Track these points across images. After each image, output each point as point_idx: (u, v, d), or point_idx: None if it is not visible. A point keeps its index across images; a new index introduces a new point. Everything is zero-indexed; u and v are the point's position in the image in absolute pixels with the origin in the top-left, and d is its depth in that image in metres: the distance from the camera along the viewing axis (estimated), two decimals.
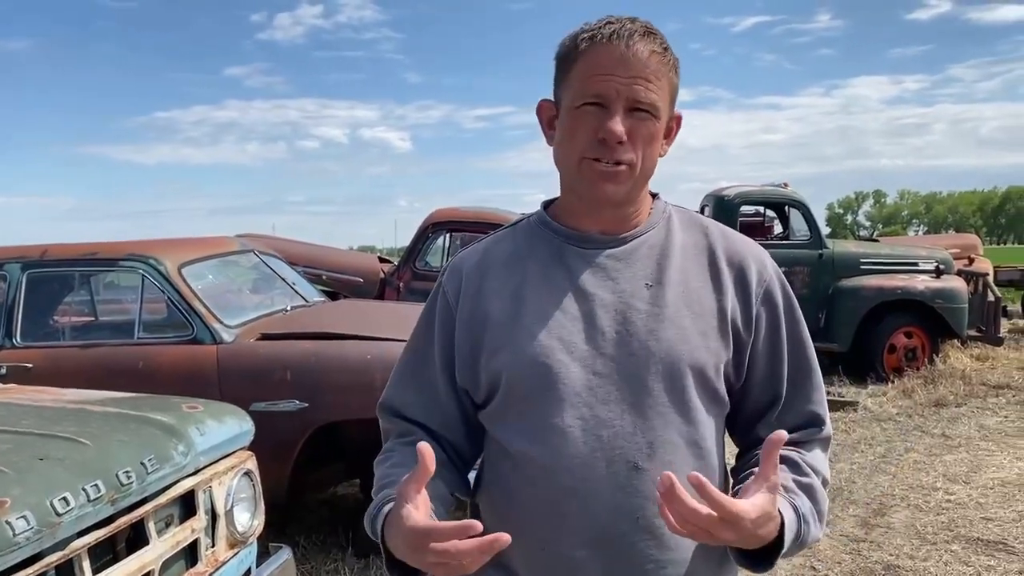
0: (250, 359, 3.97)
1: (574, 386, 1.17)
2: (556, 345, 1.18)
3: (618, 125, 1.14)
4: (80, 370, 3.91)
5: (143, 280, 4.09)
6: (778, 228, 9.75)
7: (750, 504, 1.01)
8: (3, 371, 3.96)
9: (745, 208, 9.29)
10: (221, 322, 4.08)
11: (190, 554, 2.43)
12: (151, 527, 2.23)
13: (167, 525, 2.35)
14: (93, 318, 5.01)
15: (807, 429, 1.25)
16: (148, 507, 2.21)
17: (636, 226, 1.25)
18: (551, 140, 1.26)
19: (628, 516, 1.15)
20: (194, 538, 2.42)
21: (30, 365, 3.98)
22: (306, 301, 4.92)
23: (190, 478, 2.40)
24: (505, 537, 0.98)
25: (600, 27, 1.17)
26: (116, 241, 4.44)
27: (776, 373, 1.25)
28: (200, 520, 2.44)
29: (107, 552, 2.12)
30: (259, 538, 2.81)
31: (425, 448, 1.04)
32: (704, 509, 0.98)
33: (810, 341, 1.29)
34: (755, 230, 9.48)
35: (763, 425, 1.26)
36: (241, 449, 2.74)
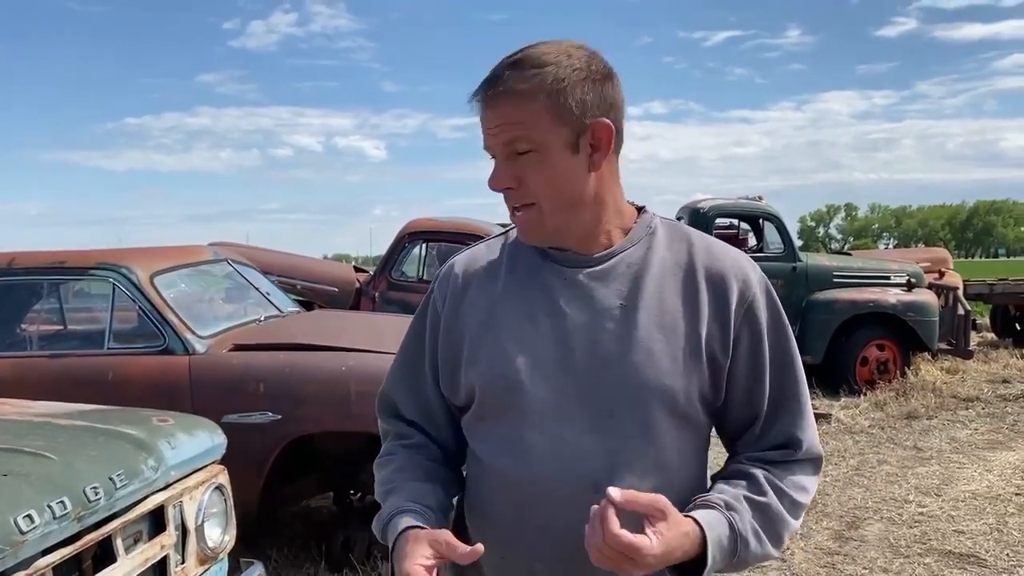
0: (223, 370, 3.91)
1: (540, 404, 1.18)
2: (527, 362, 1.20)
3: (496, 178, 1.19)
4: (47, 380, 3.83)
5: (114, 289, 4.01)
6: (752, 241, 9.82)
7: (655, 539, 1.02)
8: None
9: (720, 221, 9.35)
10: (193, 332, 4.01)
11: (159, 571, 2.37)
12: (119, 544, 2.18)
13: (136, 542, 2.29)
14: (62, 327, 4.91)
15: (783, 450, 1.23)
16: (116, 524, 2.16)
17: (612, 243, 1.24)
18: None
19: (583, 534, 1.11)
20: (163, 555, 2.36)
21: None
22: (280, 311, 4.86)
23: (160, 493, 2.35)
24: None
25: (477, 87, 1.20)
26: (86, 249, 4.36)
27: (756, 393, 1.23)
28: (170, 536, 2.39)
29: (73, 570, 2.07)
30: (230, 553, 2.76)
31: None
32: (605, 547, 1.01)
33: (799, 361, 1.26)
34: (729, 243, 9.47)
35: (742, 443, 1.27)
36: (213, 463, 2.69)
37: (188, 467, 2.52)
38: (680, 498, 1.16)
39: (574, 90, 1.14)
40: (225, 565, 2.71)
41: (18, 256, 4.29)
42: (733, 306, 1.20)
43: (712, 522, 1.11)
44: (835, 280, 8.82)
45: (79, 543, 2.02)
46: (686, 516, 1.10)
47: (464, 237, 7.16)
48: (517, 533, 1.20)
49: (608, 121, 1.17)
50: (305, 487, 4.44)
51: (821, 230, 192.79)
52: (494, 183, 1.19)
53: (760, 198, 9.49)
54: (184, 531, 2.46)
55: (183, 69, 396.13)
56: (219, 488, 2.65)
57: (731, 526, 1.12)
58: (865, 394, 8.20)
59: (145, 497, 2.28)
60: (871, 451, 6.34)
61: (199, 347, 3.96)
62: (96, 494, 2.06)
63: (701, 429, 1.25)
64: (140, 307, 4.03)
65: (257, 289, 4.94)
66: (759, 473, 1.20)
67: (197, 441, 2.59)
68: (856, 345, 8.53)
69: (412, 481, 1.25)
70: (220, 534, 2.65)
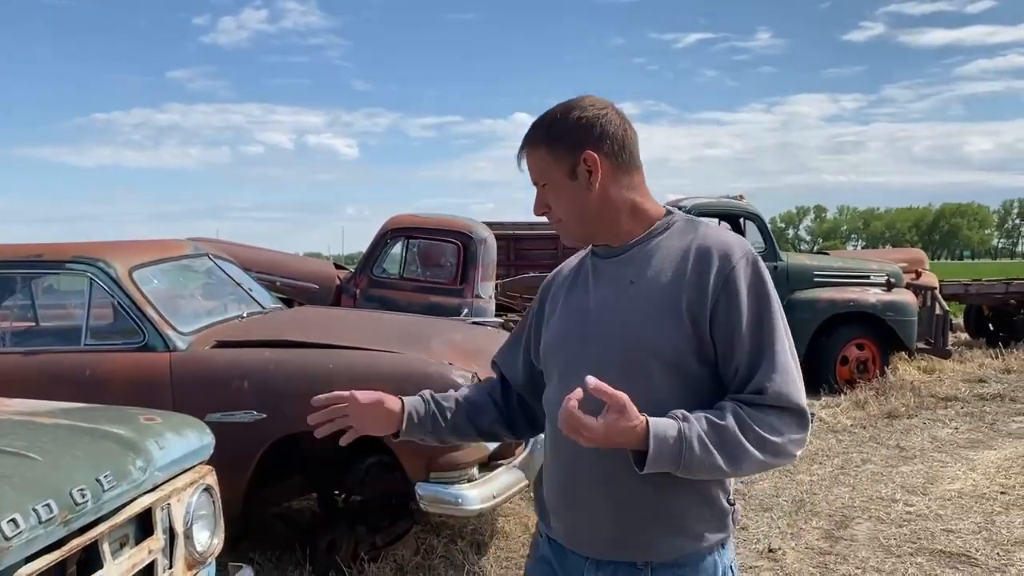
0: (205, 367, 3.79)
1: (567, 362, 1.57)
2: (567, 330, 1.61)
3: (535, 205, 1.62)
4: (22, 378, 3.68)
5: (91, 284, 3.87)
6: None
7: (599, 422, 1.34)
8: None
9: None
10: (174, 328, 3.89)
11: None
12: (105, 549, 2.07)
13: (122, 546, 2.18)
14: (34, 323, 4.75)
15: (754, 395, 1.45)
16: (103, 528, 2.04)
17: (635, 237, 1.58)
18: None
19: (582, 465, 1.51)
20: (151, 559, 2.25)
21: None
22: (262, 308, 4.75)
23: (148, 495, 2.24)
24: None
25: None
26: (63, 242, 4.22)
27: (734, 350, 1.47)
28: (158, 540, 2.28)
29: None
30: (218, 557, 2.65)
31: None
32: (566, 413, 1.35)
33: (778, 324, 1.48)
34: None
35: (730, 391, 1.50)
36: (200, 463, 2.58)
37: (176, 468, 2.41)
38: None
39: (563, 136, 1.54)
40: (213, 570, 2.60)
41: None
42: (712, 276, 1.48)
43: (662, 423, 1.39)
44: (815, 280, 8.85)
45: (64, 548, 1.91)
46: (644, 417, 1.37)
47: (446, 233, 7.03)
48: (549, 461, 1.63)
49: (592, 152, 1.53)
50: (289, 488, 4.32)
51: (791, 231, 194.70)
52: (534, 210, 1.62)
53: (741, 197, 9.48)
54: (172, 535, 2.35)
55: (153, 65, 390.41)
56: (207, 490, 2.54)
57: (679, 430, 1.38)
58: (845, 393, 8.23)
59: (133, 499, 2.18)
60: (855, 450, 6.35)
61: (180, 344, 3.84)
62: (83, 496, 1.95)
63: (698, 378, 1.49)
64: (119, 302, 3.89)
65: (239, 285, 4.81)
66: (728, 404, 1.45)
67: (186, 441, 2.48)
68: (836, 344, 8.58)
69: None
70: (209, 537, 2.54)
